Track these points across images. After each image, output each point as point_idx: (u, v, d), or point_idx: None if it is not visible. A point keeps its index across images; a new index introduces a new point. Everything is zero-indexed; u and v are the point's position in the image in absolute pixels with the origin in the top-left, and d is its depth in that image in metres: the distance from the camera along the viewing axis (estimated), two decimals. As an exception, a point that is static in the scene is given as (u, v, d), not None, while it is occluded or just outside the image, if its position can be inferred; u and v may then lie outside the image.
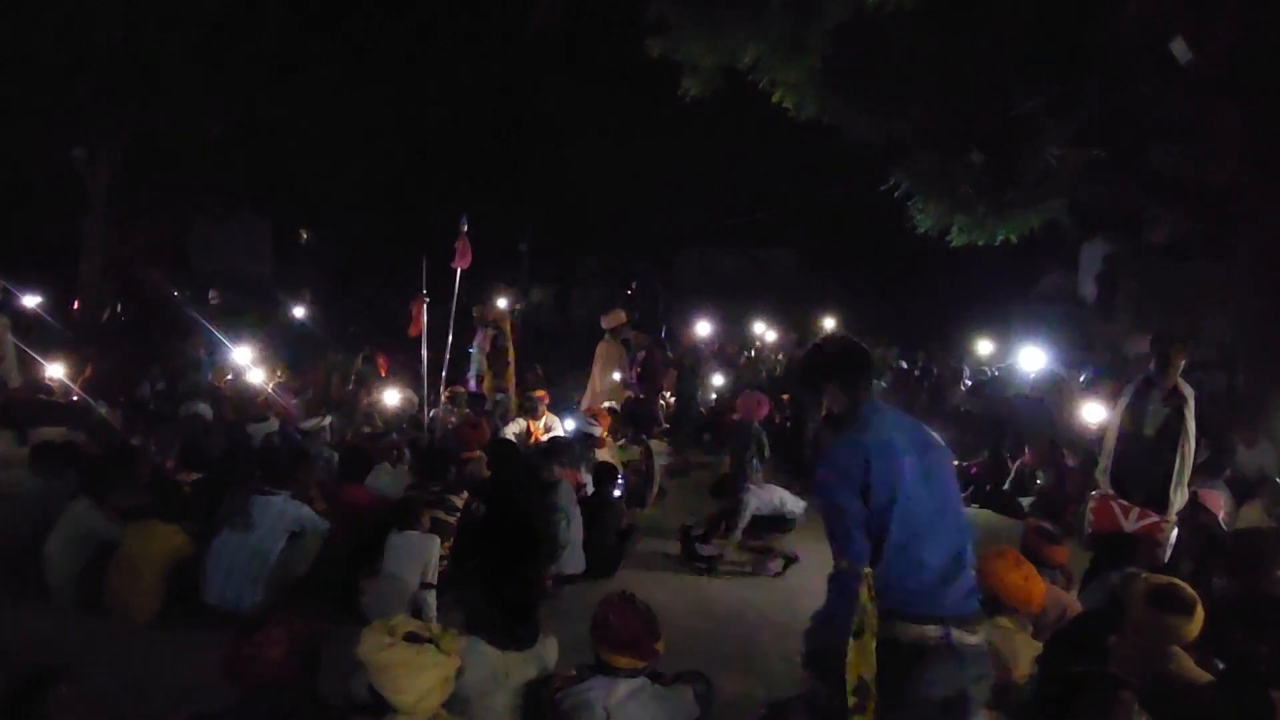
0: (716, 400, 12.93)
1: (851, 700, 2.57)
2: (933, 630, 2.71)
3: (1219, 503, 6.34)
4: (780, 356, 16.58)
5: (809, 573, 6.03)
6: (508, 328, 10.64)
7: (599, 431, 8.40)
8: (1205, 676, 3.27)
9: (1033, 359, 13.25)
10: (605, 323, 11.02)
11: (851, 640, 2.61)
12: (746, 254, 26.97)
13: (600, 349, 10.80)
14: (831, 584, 2.83)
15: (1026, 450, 9.21)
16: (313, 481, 5.92)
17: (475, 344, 10.98)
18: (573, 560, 6.00)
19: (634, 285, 27.37)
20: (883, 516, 2.75)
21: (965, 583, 2.84)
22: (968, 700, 2.74)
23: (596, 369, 10.75)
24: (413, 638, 2.79)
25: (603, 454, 8.00)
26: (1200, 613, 3.44)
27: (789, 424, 10.72)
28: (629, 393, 10.60)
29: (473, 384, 10.54)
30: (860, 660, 2.58)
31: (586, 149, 23.24)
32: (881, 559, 2.75)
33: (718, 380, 13.47)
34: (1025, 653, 3.58)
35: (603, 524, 6.38)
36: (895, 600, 2.71)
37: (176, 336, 13.65)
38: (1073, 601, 4.40)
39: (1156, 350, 5.33)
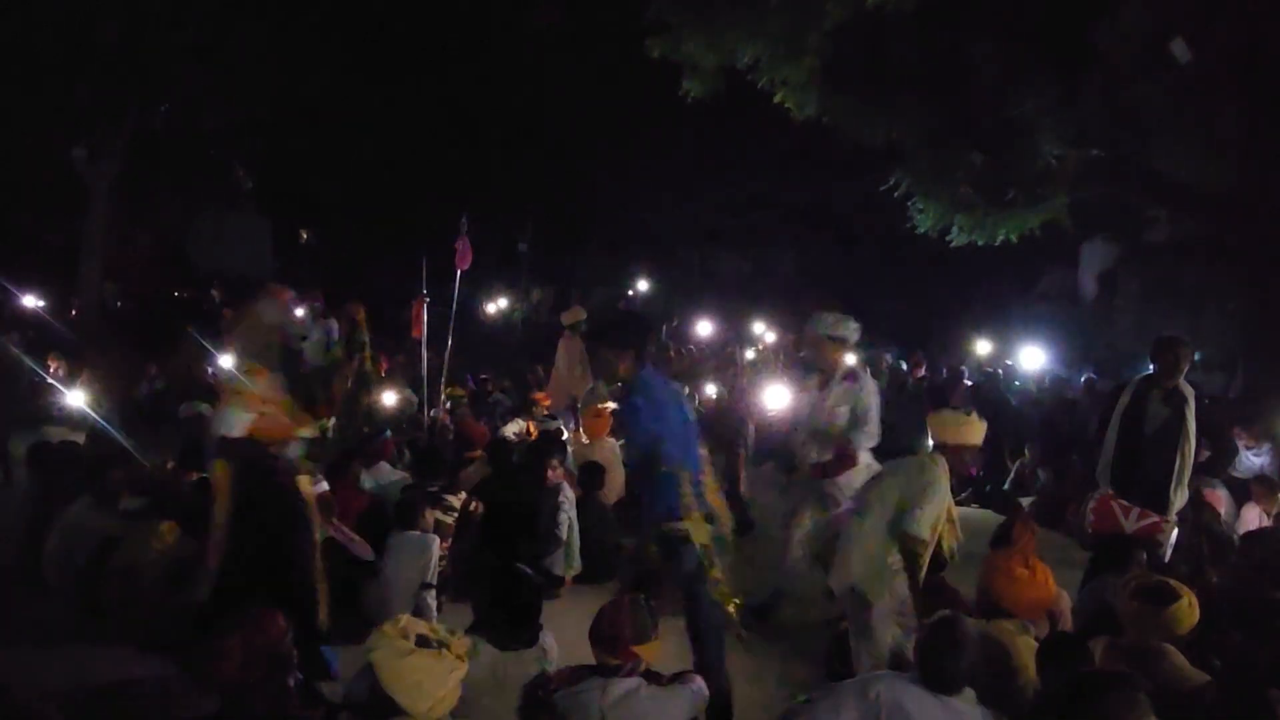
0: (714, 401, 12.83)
1: (704, 559, 3.72)
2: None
3: (1220, 502, 6.34)
4: (781, 357, 16.52)
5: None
6: (361, 320, 10.05)
7: (557, 425, 8.39)
8: (1202, 676, 3.26)
9: (1033, 359, 13.25)
10: (565, 318, 10.94)
11: (686, 521, 3.77)
12: (746, 254, 26.94)
13: (561, 345, 10.67)
14: (664, 484, 3.78)
15: (1026, 450, 9.20)
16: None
17: (316, 335, 10.91)
18: (572, 563, 6.02)
19: (634, 286, 27.32)
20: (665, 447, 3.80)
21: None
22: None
23: (559, 365, 10.63)
24: (423, 641, 2.77)
25: (603, 455, 7.97)
26: (1189, 603, 3.42)
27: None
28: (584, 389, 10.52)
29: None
30: (698, 531, 3.74)
31: (586, 148, 23.22)
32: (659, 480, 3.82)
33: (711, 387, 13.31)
34: (1029, 655, 3.57)
35: (602, 526, 6.37)
36: (667, 506, 3.82)
37: (178, 336, 13.63)
38: (1063, 595, 4.40)
39: (1165, 352, 5.28)
